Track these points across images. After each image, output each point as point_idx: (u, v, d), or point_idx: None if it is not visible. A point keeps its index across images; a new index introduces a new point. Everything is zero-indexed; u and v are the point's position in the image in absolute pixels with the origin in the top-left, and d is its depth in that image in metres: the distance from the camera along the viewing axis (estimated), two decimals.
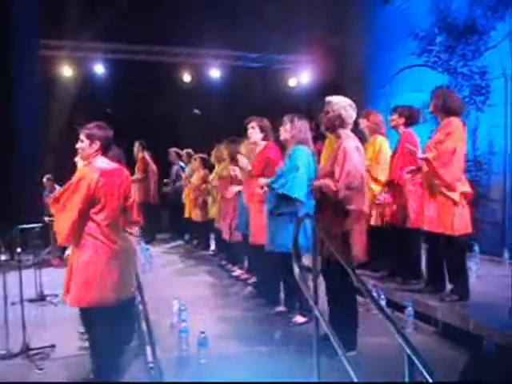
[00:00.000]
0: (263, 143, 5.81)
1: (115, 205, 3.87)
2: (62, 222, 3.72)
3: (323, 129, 4.42)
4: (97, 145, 3.88)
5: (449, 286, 5.06)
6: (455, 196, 4.85)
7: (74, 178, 3.79)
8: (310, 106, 9.73)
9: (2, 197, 7.98)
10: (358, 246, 4.14)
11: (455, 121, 4.96)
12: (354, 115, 4.29)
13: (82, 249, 3.74)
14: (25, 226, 5.47)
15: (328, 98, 4.31)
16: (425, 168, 5.03)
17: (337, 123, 4.22)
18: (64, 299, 3.88)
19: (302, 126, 5.12)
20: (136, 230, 4.60)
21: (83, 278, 3.72)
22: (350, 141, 4.17)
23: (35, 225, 5.92)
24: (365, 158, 4.50)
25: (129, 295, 4.13)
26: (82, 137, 3.91)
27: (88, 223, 3.75)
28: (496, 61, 8.12)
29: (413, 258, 5.77)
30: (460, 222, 4.87)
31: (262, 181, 5.22)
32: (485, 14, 8.27)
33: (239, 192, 6.58)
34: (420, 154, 4.98)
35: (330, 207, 4.12)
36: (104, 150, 3.94)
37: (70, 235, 3.72)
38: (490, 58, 8.17)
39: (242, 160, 5.99)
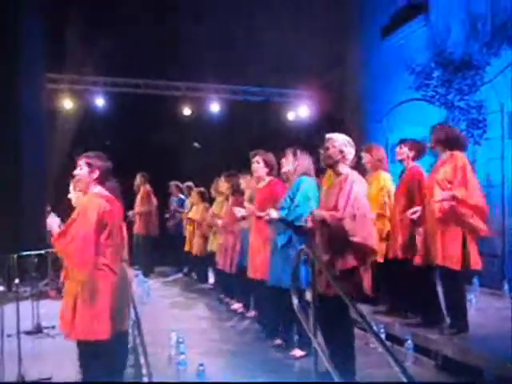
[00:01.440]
0: (268, 178, 5.78)
1: (119, 233, 3.86)
2: (77, 254, 3.59)
3: (324, 165, 4.45)
4: (96, 174, 3.85)
5: (447, 320, 5.03)
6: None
7: (81, 208, 3.74)
8: (309, 140, 9.80)
9: (3, 228, 7.94)
10: (364, 281, 4.10)
11: (462, 155, 5.00)
12: (353, 152, 4.34)
13: (87, 279, 3.64)
14: (22, 253, 5.42)
15: (328, 135, 4.37)
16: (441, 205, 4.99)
17: (338, 159, 4.26)
18: (67, 333, 3.78)
19: (306, 159, 5.14)
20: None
21: (93, 310, 3.63)
22: (354, 173, 4.23)
23: (33, 252, 5.85)
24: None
25: (127, 326, 4.11)
26: (81, 164, 3.87)
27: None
28: (492, 95, 8.23)
29: (416, 293, 5.69)
30: (476, 256, 4.86)
31: (274, 214, 5.02)
32: (480, 50, 8.40)
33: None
34: (445, 195, 4.87)
35: (334, 240, 4.07)
36: (102, 180, 3.90)
37: (87, 264, 3.59)
38: (486, 93, 8.27)
39: (238, 211, 6.02)
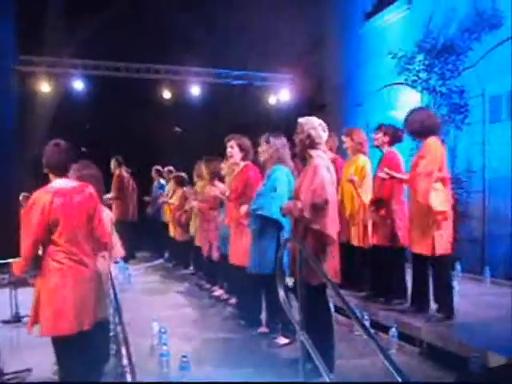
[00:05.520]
0: (242, 163, 5.76)
1: (76, 225, 3.67)
2: (22, 249, 3.48)
3: (296, 150, 4.39)
4: (46, 169, 3.78)
5: (433, 306, 5.05)
6: (432, 216, 4.87)
7: (28, 203, 3.67)
8: (289, 123, 9.75)
9: None
10: (330, 269, 4.03)
11: (432, 141, 4.98)
12: (325, 135, 4.27)
13: (47, 275, 3.58)
14: None
15: (299, 120, 4.31)
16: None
17: (307, 143, 4.21)
18: (31, 329, 3.70)
19: (279, 145, 5.06)
20: (107, 253, 4.37)
21: (53, 306, 3.55)
22: (320, 160, 4.15)
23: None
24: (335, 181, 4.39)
25: (102, 318, 4.00)
26: None
27: (50, 247, 3.59)
28: (474, 80, 8.21)
29: (397, 278, 5.71)
30: (440, 242, 4.86)
31: (244, 208, 5.18)
32: (462, 35, 8.36)
33: (221, 211, 6.52)
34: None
35: (302, 229, 4.06)
36: (55, 172, 3.77)
37: (28, 260, 3.54)
38: (468, 78, 8.25)
39: (219, 186, 6.00)
